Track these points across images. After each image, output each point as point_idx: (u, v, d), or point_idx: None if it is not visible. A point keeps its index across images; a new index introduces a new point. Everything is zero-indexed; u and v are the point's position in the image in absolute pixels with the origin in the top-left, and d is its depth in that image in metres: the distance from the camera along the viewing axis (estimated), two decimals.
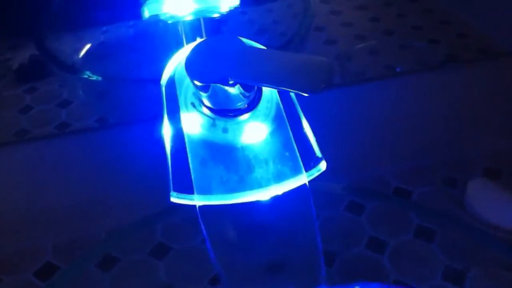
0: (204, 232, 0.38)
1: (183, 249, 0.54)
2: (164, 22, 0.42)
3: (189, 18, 0.42)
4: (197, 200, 0.33)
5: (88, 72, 0.65)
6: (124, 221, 0.51)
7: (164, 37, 0.60)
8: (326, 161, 0.35)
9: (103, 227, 0.55)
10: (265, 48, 0.33)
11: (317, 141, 0.35)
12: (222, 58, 0.30)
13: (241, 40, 0.32)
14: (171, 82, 0.36)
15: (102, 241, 0.53)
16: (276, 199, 0.36)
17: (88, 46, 0.73)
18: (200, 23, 0.43)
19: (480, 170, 0.63)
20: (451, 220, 0.54)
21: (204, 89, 0.31)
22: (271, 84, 0.28)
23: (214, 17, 0.43)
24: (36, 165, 0.56)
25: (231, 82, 0.29)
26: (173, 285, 0.51)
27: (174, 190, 0.33)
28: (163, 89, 0.36)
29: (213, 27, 0.48)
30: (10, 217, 0.56)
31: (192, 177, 0.33)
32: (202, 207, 0.37)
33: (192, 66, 0.31)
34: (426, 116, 0.65)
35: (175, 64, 0.37)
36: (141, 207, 0.50)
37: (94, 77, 0.63)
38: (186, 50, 0.37)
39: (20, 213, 0.56)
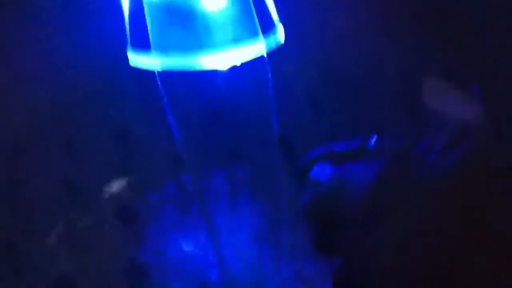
0: (165, 102, 0.38)
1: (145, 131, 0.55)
2: None
3: None
4: (154, 58, 0.33)
5: None
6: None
7: None
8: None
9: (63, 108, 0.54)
10: None
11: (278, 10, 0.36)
12: None
13: None
14: None
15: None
16: (235, 71, 0.36)
17: None
18: None
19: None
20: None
21: None
22: None
23: None
24: None
25: None
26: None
27: (132, 47, 0.33)
28: None
29: None
30: None
31: (150, 37, 0.33)
32: (163, 76, 0.37)
33: None
34: None
35: None
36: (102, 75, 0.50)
37: None
38: None
39: None
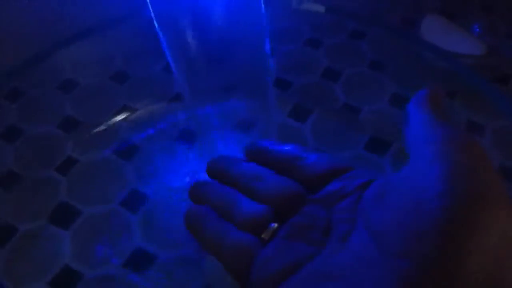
0: (160, 34, 0.38)
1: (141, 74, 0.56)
2: None
3: None
4: None
5: None
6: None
7: None
8: None
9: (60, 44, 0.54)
10: None
11: None
12: None
13: None
14: None
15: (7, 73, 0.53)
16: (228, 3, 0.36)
17: None
18: None
19: (436, 12, 0.63)
20: (403, 52, 0.56)
21: None
22: None
23: None
24: None
25: None
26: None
27: None
28: None
29: None
30: None
31: None
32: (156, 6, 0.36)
33: None
34: None
35: None
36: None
37: None
38: None
39: None
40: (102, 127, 0.51)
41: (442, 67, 0.55)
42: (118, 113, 0.52)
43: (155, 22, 0.38)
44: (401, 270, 0.19)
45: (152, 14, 0.36)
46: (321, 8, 0.55)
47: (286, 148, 0.30)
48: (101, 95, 0.54)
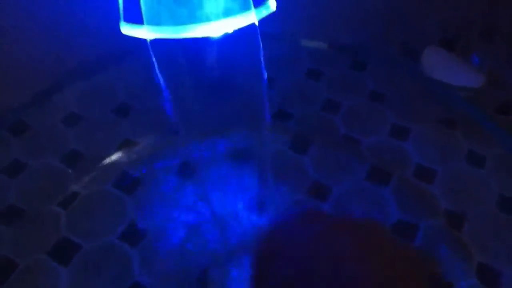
0: (156, 68, 0.39)
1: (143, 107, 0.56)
2: None
3: None
4: (146, 31, 0.33)
5: None
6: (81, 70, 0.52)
7: None
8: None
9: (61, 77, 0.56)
10: None
11: None
12: None
13: None
14: None
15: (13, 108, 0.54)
16: (226, 38, 0.37)
17: None
18: None
19: (436, 41, 0.64)
20: (402, 83, 0.57)
21: None
22: None
23: None
24: None
25: None
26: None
27: (124, 20, 0.33)
28: None
29: None
30: None
31: (142, 9, 0.33)
32: (154, 43, 0.37)
33: None
34: None
35: None
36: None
37: None
38: None
39: None
40: (104, 161, 0.51)
41: (442, 98, 0.56)
42: (120, 147, 0.52)
43: (153, 60, 0.39)
44: None
45: (151, 52, 0.37)
46: (323, 45, 0.56)
47: None
48: (104, 128, 0.54)
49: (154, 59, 0.38)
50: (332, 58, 0.62)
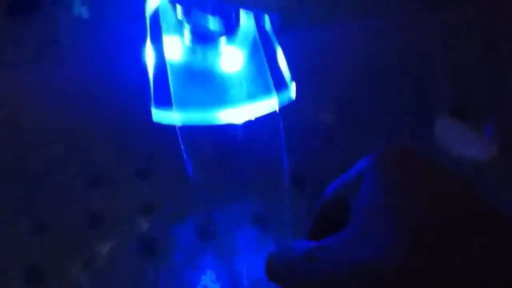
0: (184, 151, 0.41)
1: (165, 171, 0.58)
2: None
3: None
4: (175, 116, 0.36)
5: (77, 7, 0.65)
6: (111, 143, 0.55)
7: None
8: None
9: (89, 148, 0.58)
10: None
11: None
12: None
13: None
14: (156, 13, 0.38)
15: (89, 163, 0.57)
16: (249, 124, 0.39)
17: None
18: None
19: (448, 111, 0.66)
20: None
21: (186, 14, 0.34)
22: (241, 4, 0.31)
23: None
24: (26, 91, 0.58)
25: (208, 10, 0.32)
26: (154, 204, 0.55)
27: (155, 105, 0.36)
28: (148, 20, 0.38)
29: None
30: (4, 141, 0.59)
31: (172, 95, 0.36)
32: (181, 129, 0.40)
33: None
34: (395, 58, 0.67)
35: None
36: (127, 128, 0.53)
37: (84, 13, 0.64)
38: None
39: (13, 137, 0.59)
40: (125, 225, 0.53)
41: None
42: (141, 211, 0.54)
43: (179, 137, 0.41)
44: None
45: (179, 133, 0.39)
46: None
47: None
48: (126, 191, 0.57)
49: (180, 137, 0.41)
50: (346, 127, 0.64)
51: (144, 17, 0.39)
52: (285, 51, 0.40)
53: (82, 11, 0.65)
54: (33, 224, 0.54)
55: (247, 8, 0.34)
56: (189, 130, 0.40)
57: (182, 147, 0.41)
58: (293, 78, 0.38)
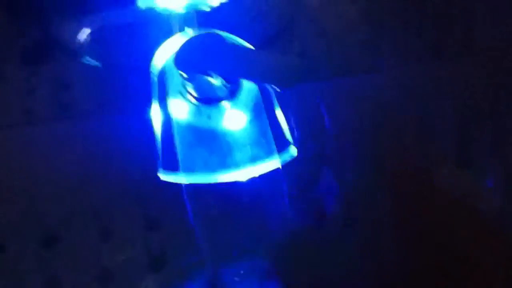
0: (189, 209, 0.43)
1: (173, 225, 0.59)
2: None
3: (182, 11, 0.46)
4: (182, 178, 0.37)
5: (88, 58, 0.69)
6: (119, 198, 0.56)
7: (160, 25, 0.63)
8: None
9: (100, 203, 0.60)
10: (245, 46, 0.37)
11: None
12: (204, 54, 0.35)
13: (222, 37, 0.36)
14: (162, 72, 0.40)
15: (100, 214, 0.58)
16: (253, 180, 0.41)
17: (88, 31, 0.77)
18: (191, 15, 0.47)
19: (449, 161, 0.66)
20: None
21: (190, 79, 0.36)
22: (246, 78, 0.33)
23: (205, 10, 0.47)
24: (39, 146, 0.61)
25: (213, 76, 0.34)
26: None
27: (163, 168, 0.38)
28: (154, 78, 0.40)
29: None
30: (17, 192, 0.60)
31: (179, 157, 0.38)
32: (188, 186, 0.41)
33: (179, 59, 0.36)
34: (403, 108, 0.69)
35: (167, 55, 0.41)
36: (134, 184, 0.55)
37: (93, 63, 0.67)
38: (175, 41, 0.41)
39: (25, 188, 0.61)
40: (132, 281, 0.53)
41: None
42: (147, 268, 0.55)
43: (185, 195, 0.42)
44: None
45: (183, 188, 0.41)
46: None
47: None
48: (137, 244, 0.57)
49: (185, 195, 0.42)
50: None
51: (151, 72, 0.41)
52: (287, 108, 0.42)
53: (92, 60, 0.69)
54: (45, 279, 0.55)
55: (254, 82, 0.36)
56: (195, 188, 0.41)
57: (188, 206, 0.42)
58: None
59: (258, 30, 0.89)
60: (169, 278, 0.54)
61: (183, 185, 0.40)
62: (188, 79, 0.36)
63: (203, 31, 0.39)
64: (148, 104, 0.41)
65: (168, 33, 0.46)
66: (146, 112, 0.42)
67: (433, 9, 0.88)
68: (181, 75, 0.36)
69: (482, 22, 0.78)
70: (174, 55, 0.36)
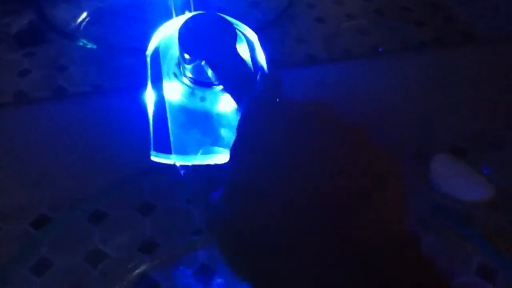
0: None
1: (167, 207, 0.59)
2: None
3: None
4: (174, 160, 0.37)
5: (84, 40, 0.68)
6: (112, 180, 0.56)
7: (156, 6, 0.63)
8: None
9: (94, 185, 0.60)
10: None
11: None
12: (209, 39, 0.34)
13: (224, 18, 0.36)
14: (156, 53, 0.40)
15: (92, 197, 0.58)
16: None
17: (84, 13, 0.76)
18: None
19: (446, 148, 0.66)
20: (413, 191, 0.59)
21: (191, 61, 0.35)
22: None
23: None
24: (33, 127, 0.60)
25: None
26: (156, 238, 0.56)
27: (154, 150, 0.37)
28: (148, 59, 0.39)
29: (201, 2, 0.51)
30: (10, 175, 0.60)
31: (171, 139, 0.37)
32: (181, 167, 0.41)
33: (185, 41, 0.35)
34: (401, 95, 0.68)
35: (160, 36, 0.40)
36: (128, 166, 0.55)
37: (90, 45, 0.67)
38: (172, 23, 0.40)
39: (19, 171, 0.61)
40: (124, 262, 0.53)
41: (453, 209, 0.57)
42: (143, 248, 0.55)
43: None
44: None
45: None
46: None
47: None
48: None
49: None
50: None
51: (145, 54, 0.40)
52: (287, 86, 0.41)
53: (88, 42, 0.68)
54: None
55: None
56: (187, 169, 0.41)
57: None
58: None
59: (256, 16, 0.88)
60: (161, 257, 0.54)
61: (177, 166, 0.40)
62: (188, 61, 0.35)
63: (202, 12, 0.38)
64: (143, 85, 0.40)
65: (165, 16, 0.45)
66: (141, 93, 0.42)
67: None
68: (182, 56, 0.36)
69: (482, 10, 0.78)
70: (178, 36, 0.36)
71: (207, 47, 0.35)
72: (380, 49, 0.77)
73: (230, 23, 0.36)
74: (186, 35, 0.35)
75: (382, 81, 0.70)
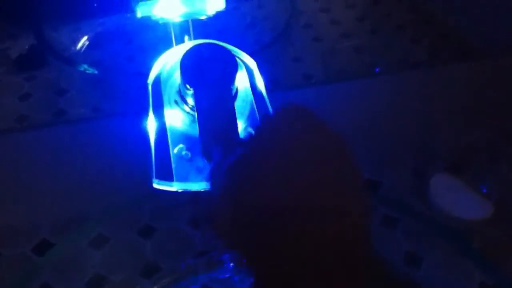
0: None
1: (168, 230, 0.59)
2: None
3: (178, 20, 0.46)
4: (175, 187, 0.37)
5: (84, 65, 0.69)
6: (113, 203, 0.56)
7: (156, 32, 0.63)
8: None
9: (95, 209, 0.60)
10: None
11: None
12: (211, 71, 0.35)
13: (225, 48, 0.37)
14: (157, 80, 0.40)
15: (94, 221, 0.58)
16: None
17: (85, 37, 0.77)
18: (188, 24, 0.47)
19: (445, 165, 0.67)
20: (413, 211, 0.59)
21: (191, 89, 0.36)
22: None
23: (201, 19, 0.47)
24: (34, 151, 0.60)
25: None
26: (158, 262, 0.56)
27: (156, 178, 0.38)
28: (150, 87, 0.40)
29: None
30: (11, 198, 0.60)
31: (172, 166, 0.37)
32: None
33: (187, 72, 0.36)
34: (399, 113, 0.69)
35: (162, 64, 0.41)
36: (128, 189, 0.55)
37: (90, 70, 0.67)
38: (174, 51, 0.41)
39: (20, 195, 0.61)
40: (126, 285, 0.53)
41: (452, 228, 0.58)
42: (144, 272, 0.55)
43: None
44: None
45: None
46: None
47: None
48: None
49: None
50: None
51: (146, 82, 0.41)
52: None
53: (87, 67, 0.69)
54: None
55: None
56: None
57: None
58: None
59: (254, 36, 0.89)
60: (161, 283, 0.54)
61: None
62: (189, 89, 0.36)
63: (203, 42, 0.39)
64: (143, 110, 0.41)
65: (165, 41, 0.46)
66: (141, 118, 0.42)
67: (429, 15, 0.89)
68: (183, 86, 0.36)
69: (478, 26, 0.79)
70: (180, 67, 0.36)
71: (208, 81, 0.36)
72: (377, 69, 0.78)
73: (232, 55, 0.36)
74: (188, 67, 0.36)
75: (378, 99, 0.71)
